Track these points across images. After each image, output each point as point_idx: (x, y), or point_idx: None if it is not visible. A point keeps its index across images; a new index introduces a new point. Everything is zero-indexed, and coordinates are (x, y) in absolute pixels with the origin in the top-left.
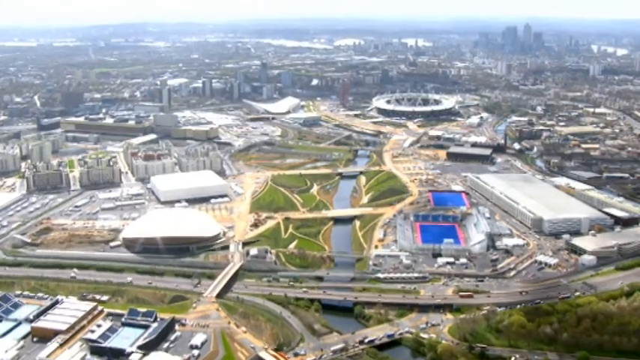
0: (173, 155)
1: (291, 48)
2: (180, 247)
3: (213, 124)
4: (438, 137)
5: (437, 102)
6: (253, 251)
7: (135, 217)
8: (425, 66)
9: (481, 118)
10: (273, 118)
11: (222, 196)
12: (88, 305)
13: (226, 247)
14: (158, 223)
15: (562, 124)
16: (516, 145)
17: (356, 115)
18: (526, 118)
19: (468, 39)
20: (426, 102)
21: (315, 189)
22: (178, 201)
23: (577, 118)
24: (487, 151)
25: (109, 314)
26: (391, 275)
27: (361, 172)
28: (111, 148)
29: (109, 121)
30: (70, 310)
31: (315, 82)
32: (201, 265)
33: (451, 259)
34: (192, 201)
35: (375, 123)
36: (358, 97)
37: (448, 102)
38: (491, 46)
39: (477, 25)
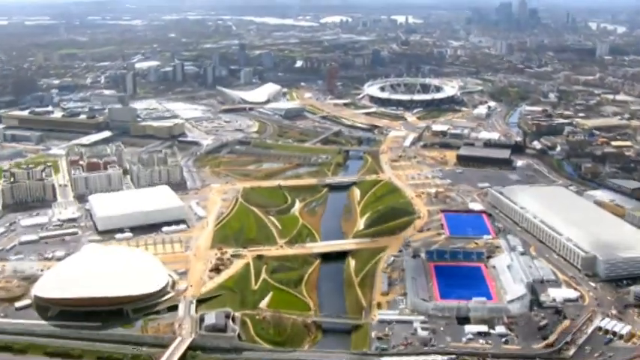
0: (125, 162)
1: (275, 26)
2: (112, 309)
3: (180, 117)
4: (444, 133)
5: (438, 89)
6: (210, 318)
7: (61, 257)
8: (418, 45)
9: (489, 107)
10: (250, 109)
11: (178, 222)
12: None
13: (174, 308)
14: (84, 273)
15: (581, 114)
16: (536, 144)
17: (345, 105)
18: (540, 108)
19: (459, 15)
20: (425, 89)
21: (297, 208)
22: (121, 230)
23: (596, 107)
24: (505, 153)
25: None
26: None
27: (354, 183)
28: (55, 150)
29: (58, 115)
30: None
31: (299, 63)
32: (136, 340)
33: (483, 327)
34: (140, 229)
35: (367, 114)
36: (347, 82)
37: (450, 88)
38: (485, 22)
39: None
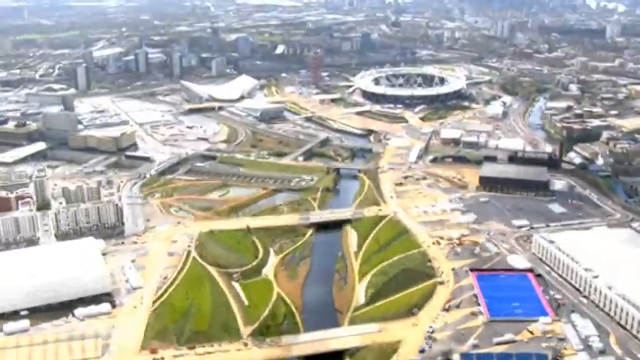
0: (50, 194)
1: (256, 6)
2: None
3: (132, 123)
4: (456, 141)
5: (442, 81)
6: None
7: None
8: (410, 27)
9: (504, 104)
10: (219, 109)
11: (100, 299)
12: None
13: None
14: None
15: (613, 111)
16: (574, 156)
17: (333, 101)
18: (564, 104)
19: None
20: (425, 80)
21: (271, 264)
22: (16, 312)
23: (626, 101)
24: (541, 173)
25: None
26: None
27: (349, 221)
28: None
29: None
30: None
31: (280, 49)
32: None
33: None
34: (44, 312)
35: (360, 114)
36: (334, 71)
37: (455, 80)
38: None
39: None
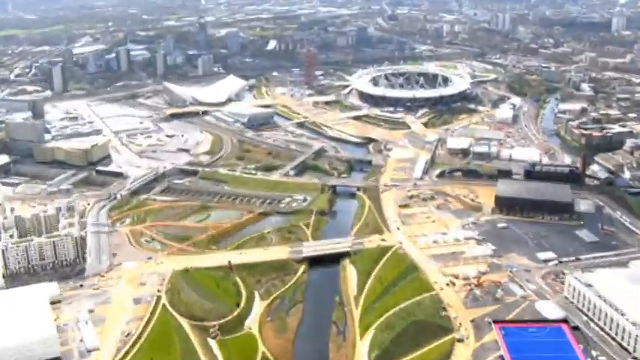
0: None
1: None
2: None
3: (106, 132)
4: (465, 152)
5: (445, 80)
6: None
7: None
8: (407, 20)
9: (513, 106)
10: (204, 114)
11: None
12: None
13: None
14: None
15: (632, 114)
16: (598, 170)
17: (328, 104)
18: (578, 107)
19: None
20: (427, 79)
21: (256, 314)
22: None
23: None
24: (564, 193)
25: None
26: None
27: (347, 254)
28: None
29: None
30: None
31: (272, 44)
32: None
33: None
34: None
35: (358, 119)
36: (329, 69)
37: (459, 80)
38: None
39: None
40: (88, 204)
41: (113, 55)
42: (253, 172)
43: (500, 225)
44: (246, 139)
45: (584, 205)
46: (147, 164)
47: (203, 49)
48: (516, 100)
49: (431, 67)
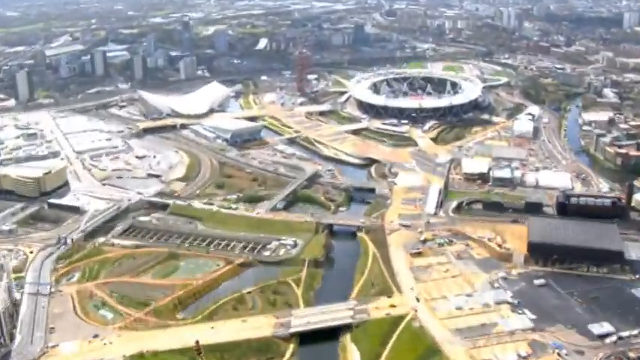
0: None
1: None
2: None
3: (63, 155)
4: (483, 177)
5: (453, 86)
6: None
7: None
8: (406, 16)
9: (532, 117)
10: (181, 127)
11: None
12: None
13: None
14: None
15: None
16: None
17: (322, 115)
18: (604, 117)
19: None
20: (433, 84)
21: None
22: None
23: None
24: (612, 237)
25: None
26: None
27: (348, 327)
28: None
29: None
30: None
31: (262, 43)
32: None
33: None
34: None
35: (357, 133)
36: (323, 71)
37: (469, 85)
38: None
39: None
40: (32, 252)
41: (89, 57)
42: (234, 206)
43: (537, 282)
44: (229, 160)
45: (635, 251)
46: (110, 194)
47: (187, 50)
48: (534, 109)
49: (436, 69)
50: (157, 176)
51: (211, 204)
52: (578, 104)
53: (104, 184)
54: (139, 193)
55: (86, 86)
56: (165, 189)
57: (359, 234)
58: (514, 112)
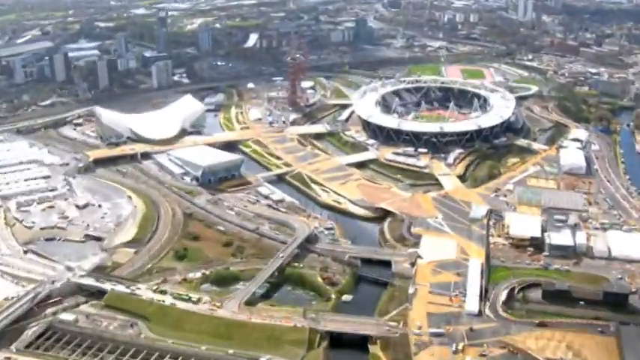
0: None
1: None
2: None
3: None
4: (536, 244)
5: (479, 99)
6: None
7: None
8: (412, 7)
9: (580, 143)
10: (143, 156)
11: None
12: None
13: None
14: None
15: None
16: None
17: (319, 138)
18: None
19: None
20: (452, 96)
21: None
22: None
23: None
24: None
25: None
26: None
27: None
28: None
29: None
30: None
31: (252, 40)
32: None
33: None
34: None
35: (363, 166)
36: (321, 76)
37: (499, 101)
38: None
39: None
40: None
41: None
42: (194, 297)
43: None
44: (196, 210)
45: None
46: (29, 270)
47: (163, 50)
48: (580, 132)
49: (452, 73)
50: (98, 239)
51: (164, 292)
52: (629, 123)
53: (26, 251)
54: (69, 269)
55: (42, 95)
56: (107, 260)
57: (371, 347)
58: (555, 134)
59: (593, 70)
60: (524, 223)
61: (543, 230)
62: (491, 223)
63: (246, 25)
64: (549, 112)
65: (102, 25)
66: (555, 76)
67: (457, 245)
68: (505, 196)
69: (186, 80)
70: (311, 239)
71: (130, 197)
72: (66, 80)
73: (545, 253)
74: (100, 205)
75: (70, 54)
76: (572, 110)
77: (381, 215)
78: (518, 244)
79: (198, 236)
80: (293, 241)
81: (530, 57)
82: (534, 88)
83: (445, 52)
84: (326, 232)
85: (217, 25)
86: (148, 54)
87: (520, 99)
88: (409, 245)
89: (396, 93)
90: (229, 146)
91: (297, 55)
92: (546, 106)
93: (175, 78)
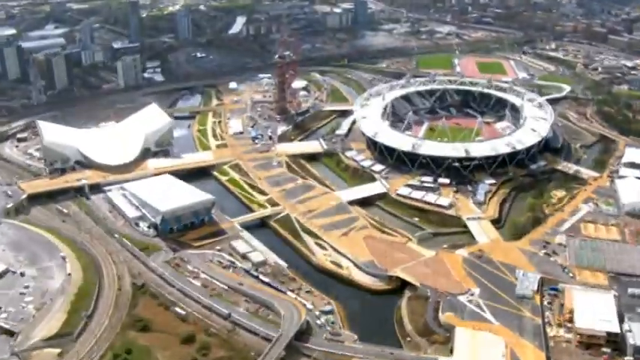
0: None
1: None
2: None
3: None
4: (614, 341)
5: (515, 110)
6: None
7: None
8: None
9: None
10: (92, 189)
11: None
12: None
13: None
14: None
15: None
16: None
17: (314, 159)
18: None
19: None
20: (473, 100)
21: None
22: None
23: None
24: None
25: None
26: None
27: None
28: None
29: None
30: None
31: (238, 25)
32: None
33: None
34: None
35: (369, 204)
36: (315, 71)
37: (530, 109)
38: None
39: None
40: None
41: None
42: None
43: None
44: (150, 278)
45: None
46: None
47: (135, 40)
48: (634, 152)
49: (467, 67)
50: (10, 333)
51: None
52: None
53: None
54: None
55: None
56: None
57: None
58: (603, 154)
59: (629, 64)
60: (593, 307)
61: (620, 319)
62: (545, 301)
63: (233, 7)
64: (589, 121)
65: (74, 7)
66: (586, 71)
67: (505, 347)
68: (556, 253)
69: (159, 78)
70: (302, 332)
71: (64, 259)
72: (21, 78)
73: (629, 359)
74: (22, 274)
75: (29, 44)
76: (616, 118)
77: (397, 286)
78: (589, 343)
79: (148, 324)
80: (277, 339)
81: (552, 46)
82: (567, 88)
83: (456, 39)
84: (323, 317)
85: (202, 7)
86: (117, 45)
87: (551, 102)
88: (438, 342)
89: (406, 98)
90: (201, 172)
91: (287, 53)
92: (584, 112)
93: (146, 74)
